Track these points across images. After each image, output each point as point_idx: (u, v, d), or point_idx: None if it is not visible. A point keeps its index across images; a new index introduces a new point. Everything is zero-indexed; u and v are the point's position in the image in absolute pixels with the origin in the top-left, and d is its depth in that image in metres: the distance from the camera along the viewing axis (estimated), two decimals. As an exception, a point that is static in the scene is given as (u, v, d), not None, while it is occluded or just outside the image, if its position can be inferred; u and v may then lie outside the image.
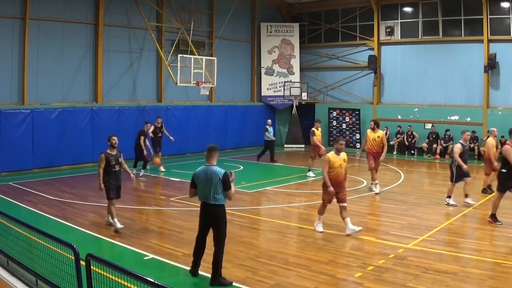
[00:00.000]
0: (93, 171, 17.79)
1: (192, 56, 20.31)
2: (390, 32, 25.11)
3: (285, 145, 26.66)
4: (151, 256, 8.51)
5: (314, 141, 17.10)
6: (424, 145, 23.47)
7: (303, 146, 26.39)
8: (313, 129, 17.37)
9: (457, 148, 12.46)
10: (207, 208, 7.34)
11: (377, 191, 14.28)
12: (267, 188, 14.93)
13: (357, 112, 26.10)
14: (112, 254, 8.79)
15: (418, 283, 7.30)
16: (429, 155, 23.17)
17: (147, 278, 4.50)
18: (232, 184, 7.31)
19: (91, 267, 5.34)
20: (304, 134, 27.24)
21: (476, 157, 21.85)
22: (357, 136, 26.07)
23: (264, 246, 9.35)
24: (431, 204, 12.98)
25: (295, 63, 27.82)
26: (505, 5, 21.72)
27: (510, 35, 21.69)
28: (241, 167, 19.56)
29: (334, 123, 26.92)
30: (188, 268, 7.68)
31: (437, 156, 22.75)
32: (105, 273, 5.27)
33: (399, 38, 25.00)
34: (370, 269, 7.92)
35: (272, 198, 14.16)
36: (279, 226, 10.90)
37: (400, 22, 24.94)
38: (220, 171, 7.28)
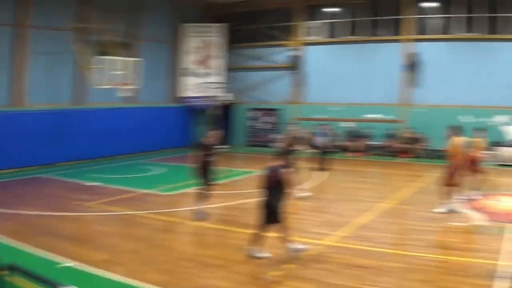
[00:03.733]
0: (7, 178, 16.77)
1: (113, 58, 19.60)
2: (314, 32, 25.58)
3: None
4: (69, 263, 7.97)
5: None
6: (347, 143, 24.02)
7: (225, 147, 26.27)
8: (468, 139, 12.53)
9: None
10: None
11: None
12: (187, 190, 14.36)
13: (278, 112, 26.44)
14: (25, 262, 8.20)
15: (340, 279, 7.39)
16: (351, 153, 23.71)
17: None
18: None
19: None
20: (226, 135, 27.10)
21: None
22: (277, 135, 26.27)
23: (181, 248, 9.22)
24: (348, 201, 13.44)
25: (218, 64, 27.62)
26: (426, 5, 22.91)
27: (431, 34, 22.88)
28: (166, 170, 19.22)
29: (254, 123, 27.17)
30: (108, 273, 7.30)
31: (360, 154, 23.35)
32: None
33: (323, 39, 25.55)
34: (290, 267, 7.93)
35: (190, 200, 13.65)
36: (196, 227, 10.73)
37: (324, 22, 25.49)
38: None
